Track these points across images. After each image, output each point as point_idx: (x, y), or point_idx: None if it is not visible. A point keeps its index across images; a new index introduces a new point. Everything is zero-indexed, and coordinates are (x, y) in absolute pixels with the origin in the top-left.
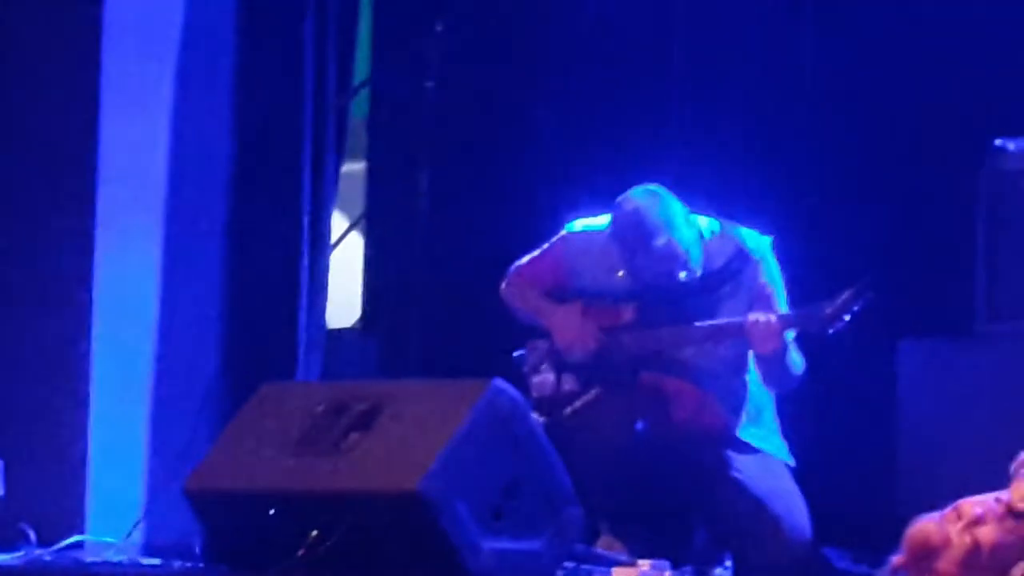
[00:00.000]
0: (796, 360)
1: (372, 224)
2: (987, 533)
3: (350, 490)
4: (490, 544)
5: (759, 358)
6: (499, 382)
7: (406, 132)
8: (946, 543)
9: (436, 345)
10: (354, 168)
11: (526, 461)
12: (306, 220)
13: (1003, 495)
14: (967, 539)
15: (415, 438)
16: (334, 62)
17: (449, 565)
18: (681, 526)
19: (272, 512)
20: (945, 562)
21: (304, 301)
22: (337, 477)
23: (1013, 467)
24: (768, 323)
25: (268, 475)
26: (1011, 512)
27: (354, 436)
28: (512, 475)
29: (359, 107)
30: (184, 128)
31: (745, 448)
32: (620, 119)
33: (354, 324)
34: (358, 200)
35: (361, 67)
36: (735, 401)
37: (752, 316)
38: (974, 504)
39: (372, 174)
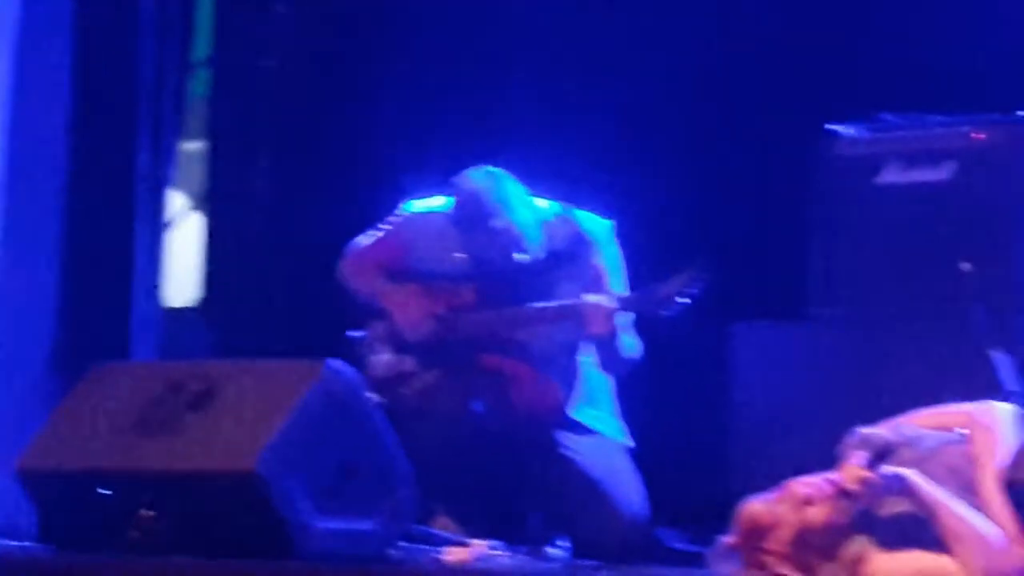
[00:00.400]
0: (630, 343)
1: (212, 203)
2: (816, 513)
3: (185, 470)
4: (324, 523)
5: (593, 340)
6: (335, 363)
7: (247, 111)
8: (776, 523)
9: (274, 325)
10: (196, 147)
11: (361, 441)
12: (142, 198)
13: (832, 476)
14: (797, 519)
15: (251, 418)
16: (174, 39)
17: (283, 544)
18: (516, 506)
19: (106, 491)
20: (775, 542)
21: (140, 280)
22: (172, 457)
23: (842, 449)
24: (602, 306)
25: (103, 454)
26: (840, 492)
27: (190, 416)
28: (347, 455)
29: (201, 85)
30: (20, 106)
31: (582, 429)
32: (461, 101)
33: (192, 304)
34: (197, 179)
35: (202, 45)
36: (571, 382)
37: (587, 298)
38: (804, 485)
39: (213, 153)
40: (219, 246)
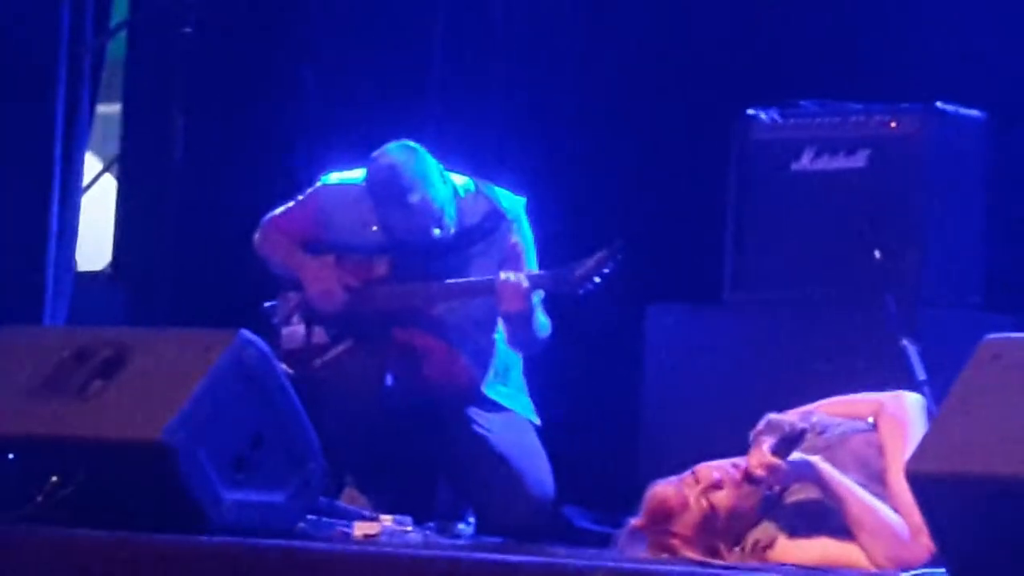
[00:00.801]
0: (543, 322)
1: (126, 167)
2: (723, 498)
3: (92, 437)
4: (232, 496)
5: (506, 317)
6: (246, 333)
7: (163, 76)
8: (684, 506)
9: (186, 293)
10: (110, 110)
11: (272, 414)
12: (58, 161)
13: (740, 461)
14: (704, 503)
15: (159, 387)
16: (91, 1)
17: (190, 516)
18: (426, 481)
19: (10, 457)
20: (682, 525)
21: (53, 244)
22: (79, 424)
23: (752, 434)
24: (517, 283)
25: (7, 419)
26: (747, 478)
27: (97, 383)
28: (257, 427)
29: (117, 48)
30: None
31: (492, 406)
32: (380, 74)
33: (104, 268)
34: (113, 142)
35: (120, 7)
36: (484, 359)
37: (502, 275)
38: (712, 469)
39: (128, 116)
40: (131, 211)
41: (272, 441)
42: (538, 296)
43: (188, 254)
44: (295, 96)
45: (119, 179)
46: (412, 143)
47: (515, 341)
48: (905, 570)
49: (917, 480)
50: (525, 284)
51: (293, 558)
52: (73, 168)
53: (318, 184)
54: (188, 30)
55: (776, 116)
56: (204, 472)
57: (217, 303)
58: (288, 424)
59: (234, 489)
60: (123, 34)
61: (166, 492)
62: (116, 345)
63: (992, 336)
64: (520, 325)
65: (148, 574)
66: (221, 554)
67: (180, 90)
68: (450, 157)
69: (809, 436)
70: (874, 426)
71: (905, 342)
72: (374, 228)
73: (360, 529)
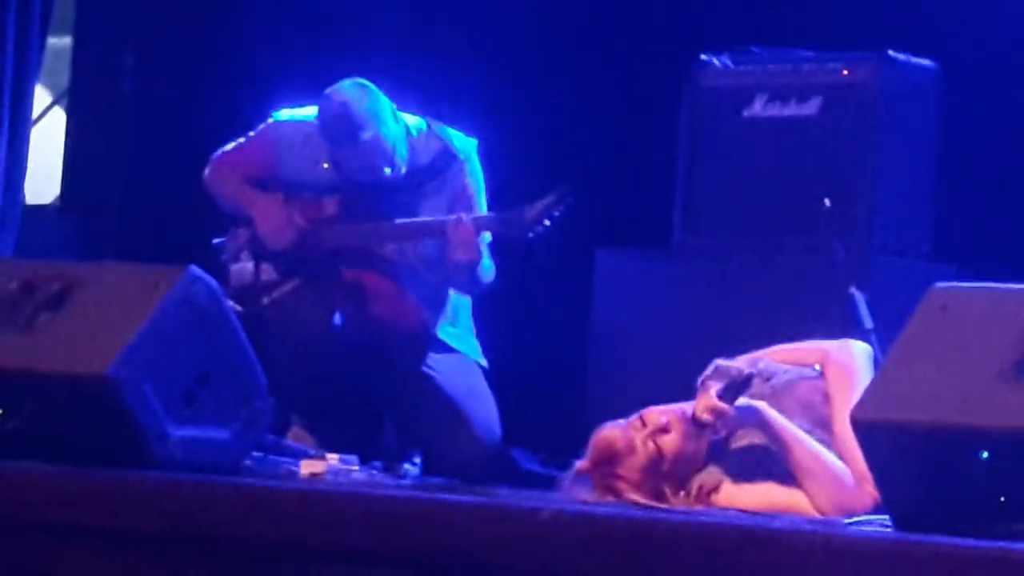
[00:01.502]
0: (487, 266)
1: (76, 101)
2: (669, 442)
3: (38, 371)
4: (179, 432)
5: (453, 260)
6: (195, 269)
7: (114, 9)
8: (630, 449)
9: (135, 228)
10: (61, 42)
11: (219, 351)
12: (7, 93)
13: (687, 406)
14: (650, 446)
15: (107, 322)
16: None
17: (137, 451)
18: (373, 421)
19: None
20: (628, 468)
21: (1, 176)
22: (25, 357)
23: (700, 379)
24: (467, 225)
25: None
26: (694, 422)
27: (45, 316)
28: (204, 364)
29: None
30: None
31: (441, 347)
32: (332, 12)
33: (52, 202)
34: (64, 75)
35: None
36: (434, 300)
37: (453, 217)
38: (659, 413)
39: (78, 49)
40: (81, 145)
41: (219, 378)
42: (485, 239)
43: (137, 189)
44: (247, 31)
45: (69, 112)
46: (365, 81)
47: (457, 283)
48: (849, 516)
49: (862, 428)
50: (475, 226)
51: (239, 495)
52: (22, 101)
53: (269, 120)
54: None
55: (728, 62)
56: (150, 407)
57: (166, 238)
58: (235, 361)
59: (180, 425)
60: None
61: (112, 427)
62: (63, 278)
63: (939, 285)
64: (466, 268)
65: (93, 508)
66: (166, 489)
67: (131, 24)
68: (401, 97)
69: (756, 382)
70: (821, 373)
71: (853, 290)
72: (325, 166)
73: (306, 467)
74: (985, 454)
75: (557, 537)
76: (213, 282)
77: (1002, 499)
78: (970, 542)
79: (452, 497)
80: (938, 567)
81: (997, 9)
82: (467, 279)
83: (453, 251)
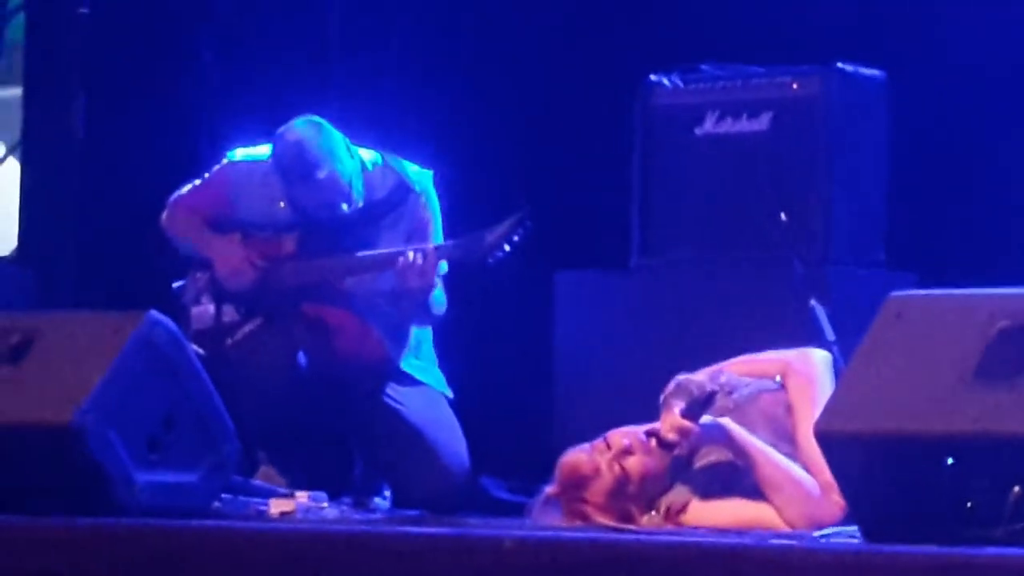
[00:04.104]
0: (439, 297)
1: (29, 150)
2: (635, 463)
3: (2, 422)
4: (145, 477)
5: (406, 287)
6: (155, 314)
7: (62, 58)
8: (596, 473)
9: (94, 276)
10: (11, 93)
11: (183, 394)
12: None
13: (652, 427)
14: (616, 469)
15: (69, 370)
16: None
17: (103, 499)
18: (341, 457)
19: None
20: (594, 492)
21: None
22: None
23: (662, 398)
24: (426, 256)
25: None
26: (659, 443)
27: (5, 368)
28: (169, 408)
29: (15, 31)
30: None
31: (406, 379)
32: (282, 50)
33: (10, 254)
34: (17, 126)
35: None
36: (397, 332)
37: (413, 247)
38: (623, 435)
39: (29, 99)
40: (36, 195)
41: (184, 421)
42: (441, 269)
43: (94, 236)
44: (196, 73)
45: (23, 162)
46: (317, 118)
47: (408, 312)
48: (818, 527)
49: (825, 440)
50: (433, 257)
51: (208, 538)
52: None
53: (224, 161)
54: (84, 11)
55: (678, 81)
56: (116, 454)
57: (125, 285)
58: (200, 404)
59: (147, 470)
60: (21, 17)
61: (78, 475)
62: (23, 329)
63: (895, 294)
64: (418, 295)
65: (60, 558)
66: (134, 536)
67: (80, 71)
68: (356, 132)
69: (719, 397)
70: (782, 385)
71: (813, 302)
72: (281, 204)
73: (276, 507)
74: (950, 460)
75: (523, 566)
76: (173, 326)
77: (969, 504)
78: (937, 550)
79: (422, 530)
80: None
81: (943, 17)
82: (419, 308)
83: (407, 279)
